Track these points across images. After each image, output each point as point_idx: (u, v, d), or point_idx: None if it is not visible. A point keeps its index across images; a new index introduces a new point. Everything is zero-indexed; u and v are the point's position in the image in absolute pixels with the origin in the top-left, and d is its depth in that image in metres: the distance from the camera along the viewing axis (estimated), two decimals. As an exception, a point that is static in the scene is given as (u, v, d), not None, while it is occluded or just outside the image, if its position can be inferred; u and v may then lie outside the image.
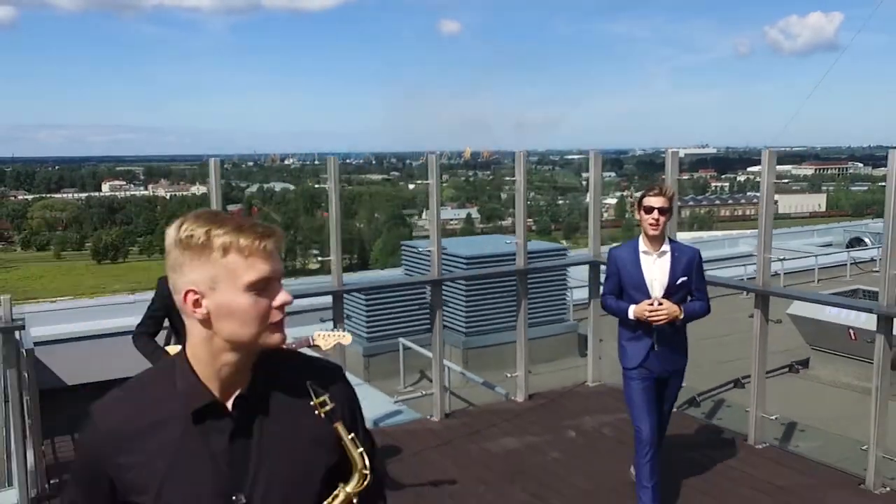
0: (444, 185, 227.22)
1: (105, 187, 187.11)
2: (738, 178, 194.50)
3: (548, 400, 6.55)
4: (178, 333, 4.09)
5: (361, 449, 1.46)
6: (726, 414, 6.48)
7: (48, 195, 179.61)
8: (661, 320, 4.11)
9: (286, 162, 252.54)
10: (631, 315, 4.20)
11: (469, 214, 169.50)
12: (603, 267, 7.71)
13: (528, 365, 6.55)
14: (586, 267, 7.66)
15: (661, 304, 4.13)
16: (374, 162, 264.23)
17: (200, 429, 1.42)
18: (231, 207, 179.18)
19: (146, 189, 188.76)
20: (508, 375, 6.59)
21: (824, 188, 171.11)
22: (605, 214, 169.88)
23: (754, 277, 5.61)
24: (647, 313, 4.12)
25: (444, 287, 6.41)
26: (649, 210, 4.16)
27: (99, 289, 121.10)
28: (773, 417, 5.49)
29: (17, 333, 4.50)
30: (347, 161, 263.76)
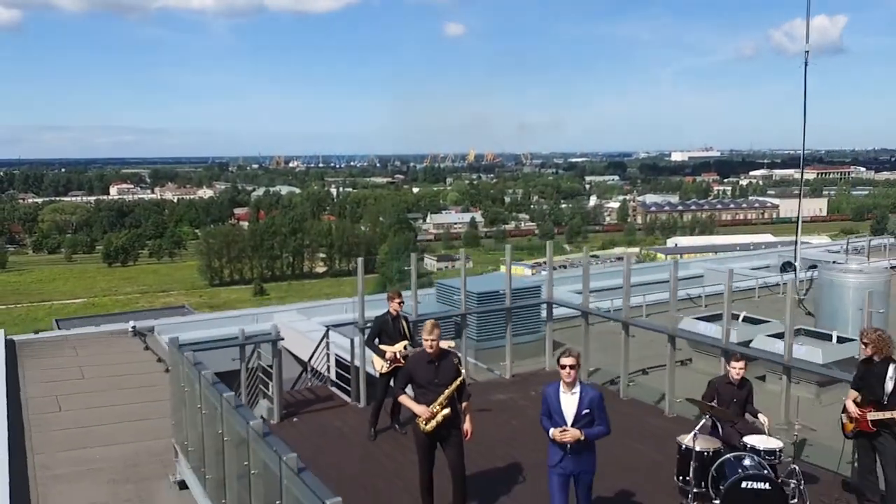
0: (449, 188, 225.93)
1: (113, 191, 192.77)
2: (741, 182, 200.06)
3: (522, 378, 11.69)
4: (382, 339, 9.15)
5: (464, 371, 6.77)
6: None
7: (57, 198, 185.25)
8: (566, 441, 6.10)
9: (291, 164, 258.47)
10: (550, 435, 6.21)
11: (473, 218, 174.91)
12: (555, 307, 12.72)
13: (512, 358, 11.77)
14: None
15: (566, 430, 6.09)
16: (378, 164, 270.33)
17: (430, 365, 6.75)
18: (238, 211, 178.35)
19: (153, 192, 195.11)
20: (502, 363, 11.83)
21: (826, 192, 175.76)
22: (608, 218, 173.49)
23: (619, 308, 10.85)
24: (557, 436, 6.13)
25: (466, 318, 11.65)
26: (563, 367, 6.19)
27: (111, 291, 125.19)
28: (631, 383, 10.72)
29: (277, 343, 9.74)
30: (352, 164, 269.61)
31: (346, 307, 18.00)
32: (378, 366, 9.22)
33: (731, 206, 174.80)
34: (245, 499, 6.35)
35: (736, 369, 7.61)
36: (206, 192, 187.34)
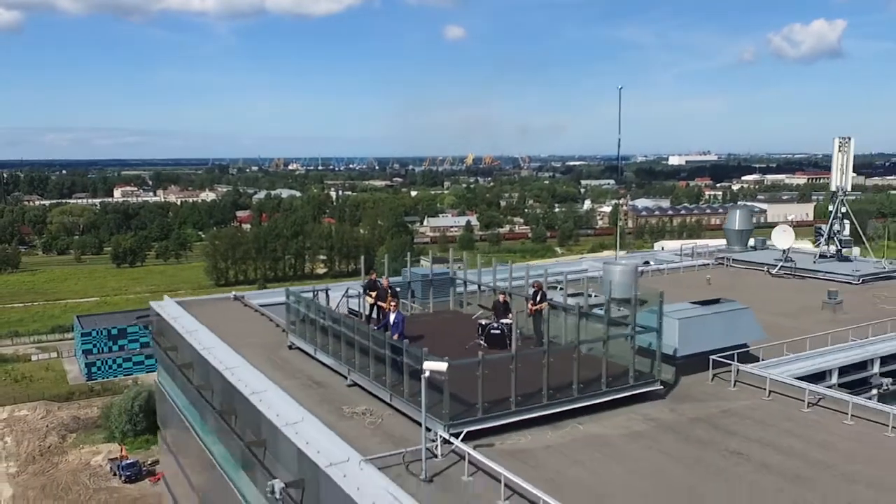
0: (446, 192, 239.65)
1: (117, 193, 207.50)
2: (732, 187, 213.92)
3: (436, 311, 26.20)
4: (370, 290, 23.71)
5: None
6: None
7: (63, 201, 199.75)
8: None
9: (291, 167, 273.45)
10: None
11: (468, 222, 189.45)
12: (463, 281, 27.25)
13: (433, 304, 26.26)
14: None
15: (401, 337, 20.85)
16: (377, 167, 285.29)
17: (384, 291, 21.34)
18: (240, 213, 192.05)
19: (156, 195, 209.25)
20: (428, 306, 26.36)
21: (814, 198, 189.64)
22: (601, 222, 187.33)
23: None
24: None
25: (410, 284, 26.19)
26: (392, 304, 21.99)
27: (121, 290, 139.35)
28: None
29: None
30: (351, 166, 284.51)
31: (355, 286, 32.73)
32: (369, 301, 23.65)
33: (720, 210, 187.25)
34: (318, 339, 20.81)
35: (501, 298, 21.99)
36: (208, 195, 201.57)
